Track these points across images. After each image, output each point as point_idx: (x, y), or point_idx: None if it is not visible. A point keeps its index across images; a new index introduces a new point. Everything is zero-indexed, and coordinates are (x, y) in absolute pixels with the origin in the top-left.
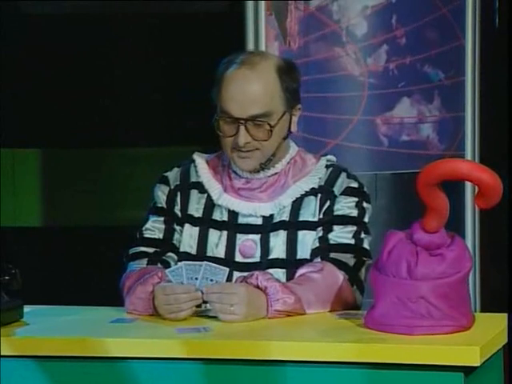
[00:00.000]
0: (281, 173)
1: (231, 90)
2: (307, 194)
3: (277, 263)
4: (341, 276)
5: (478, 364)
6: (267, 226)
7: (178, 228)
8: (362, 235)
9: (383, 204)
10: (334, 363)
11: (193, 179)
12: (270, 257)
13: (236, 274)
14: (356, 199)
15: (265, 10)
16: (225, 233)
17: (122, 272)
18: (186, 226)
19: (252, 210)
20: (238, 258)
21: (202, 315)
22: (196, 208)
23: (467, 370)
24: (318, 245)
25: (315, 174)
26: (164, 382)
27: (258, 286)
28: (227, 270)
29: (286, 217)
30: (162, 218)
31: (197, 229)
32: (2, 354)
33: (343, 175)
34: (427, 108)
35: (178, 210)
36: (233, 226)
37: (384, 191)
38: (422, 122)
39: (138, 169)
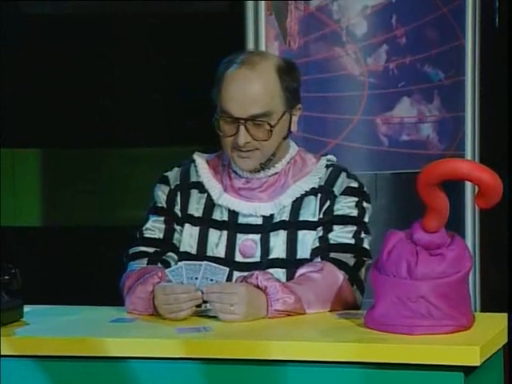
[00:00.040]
0: (281, 173)
1: (231, 89)
2: (307, 193)
3: (277, 263)
4: (341, 276)
5: (478, 364)
6: (267, 226)
7: (178, 228)
8: (362, 235)
9: (383, 204)
10: (334, 363)
11: (193, 179)
12: (270, 257)
13: (236, 274)
14: (356, 199)
15: (265, 10)
16: (225, 233)
17: (122, 272)
18: (186, 225)
19: (252, 210)
20: (238, 258)
21: (202, 315)
22: (196, 208)
23: (467, 370)
24: (318, 244)
25: (315, 173)
26: (164, 382)
27: (257, 286)
28: (227, 269)
29: (286, 217)
30: (162, 218)
31: (197, 228)
32: (2, 353)
33: (343, 175)
34: (427, 108)
35: (178, 209)
36: (233, 225)
37: (384, 191)
38: (422, 121)
39: (137, 169)
